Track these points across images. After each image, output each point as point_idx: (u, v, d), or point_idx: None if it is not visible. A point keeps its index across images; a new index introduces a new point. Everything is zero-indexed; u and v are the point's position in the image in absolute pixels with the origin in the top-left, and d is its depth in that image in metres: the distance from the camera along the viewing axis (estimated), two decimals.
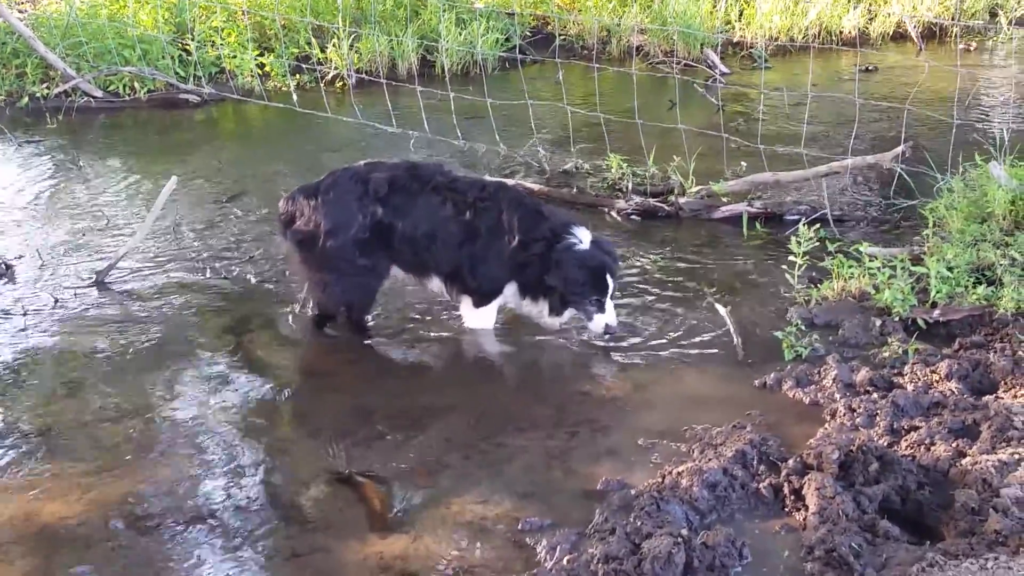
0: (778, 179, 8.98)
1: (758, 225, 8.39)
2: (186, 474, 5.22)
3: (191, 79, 12.43)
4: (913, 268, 6.87)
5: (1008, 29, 15.78)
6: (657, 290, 7.26)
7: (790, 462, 5.04)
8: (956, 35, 15.60)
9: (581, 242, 6.29)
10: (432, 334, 6.75)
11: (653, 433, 5.51)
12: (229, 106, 12.19)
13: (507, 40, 13.77)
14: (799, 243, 6.83)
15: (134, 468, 5.27)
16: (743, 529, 4.67)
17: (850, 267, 7.06)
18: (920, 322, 6.51)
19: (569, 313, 6.47)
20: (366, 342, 6.65)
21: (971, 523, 4.53)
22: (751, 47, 14.57)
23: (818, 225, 7.33)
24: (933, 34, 15.82)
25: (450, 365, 6.46)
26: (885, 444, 5.18)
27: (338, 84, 12.65)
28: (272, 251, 7.92)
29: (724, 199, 8.80)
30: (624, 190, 9.09)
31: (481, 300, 6.57)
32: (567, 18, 14.91)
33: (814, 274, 7.16)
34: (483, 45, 13.26)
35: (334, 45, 12.78)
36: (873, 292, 6.82)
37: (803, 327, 6.53)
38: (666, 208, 8.70)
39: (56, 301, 7.14)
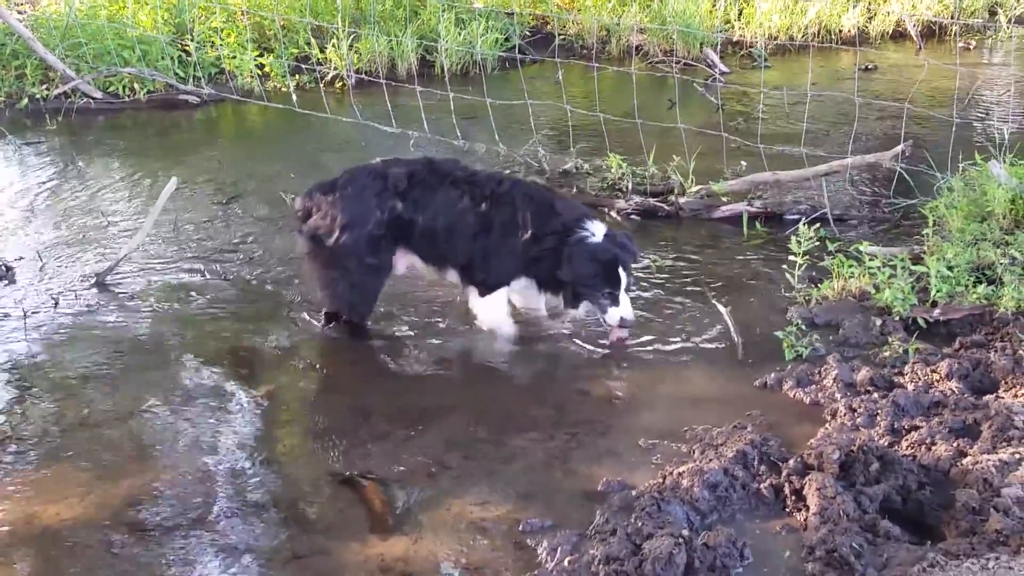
0: (778, 178, 8.98)
1: (758, 225, 8.39)
2: (186, 476, 5.22)
3: (191, 80, 12.42)
4: (913, 267, 6.88)
5: (1007, 27, 15.79)
6: (657, 290, 7.26)
7: (791, 462, 5.04)
8: (955, 34, 15.60)
9: (593, 235, 6.25)
10: (432, 335, 6.75)
11: (653, 433, 5.51)
12: (229, 107, 12.18)
13: (506, 40, 13.76)
14: (799, 243, 6.83)
15: (134, 470, 5.27)
16: (744, 529, 4.67)
17: (850, 266, 7.06)
18: (920, 321, 6.51)
19: (585, 306, 6.45)
20: (366, 343, 6.65)
21: (972, 523, 4.53)
22: (751, 46, 14.57)
23: (818, 224, 7.34)
24: (932, 33, 15.82)
25: (450, 366, 6.45)
26: (886, 444, 5.19)
27: (338, 84, 12.64)
28: (272, 252, 7.94)
29: (724, 198, 8.80)
30: (624, 190, 9.09)
31: (485, 290, 6.54)
32: (566, 18, 14.91)
33: (814, 274, 7.16)
34: (482, 45, 13.25)
35: (333, 45, 12.78)
36: (873, 291, 6.82)
37: (803, 327, 6.53)
38: (666, 208, 8.70)
39: (56, 302, 7.14)
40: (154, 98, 12.22)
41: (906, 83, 12.25)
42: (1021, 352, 6.02)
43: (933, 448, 5.10)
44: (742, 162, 9.29)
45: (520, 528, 4.73)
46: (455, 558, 4.56)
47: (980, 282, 6.76)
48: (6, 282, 7.46)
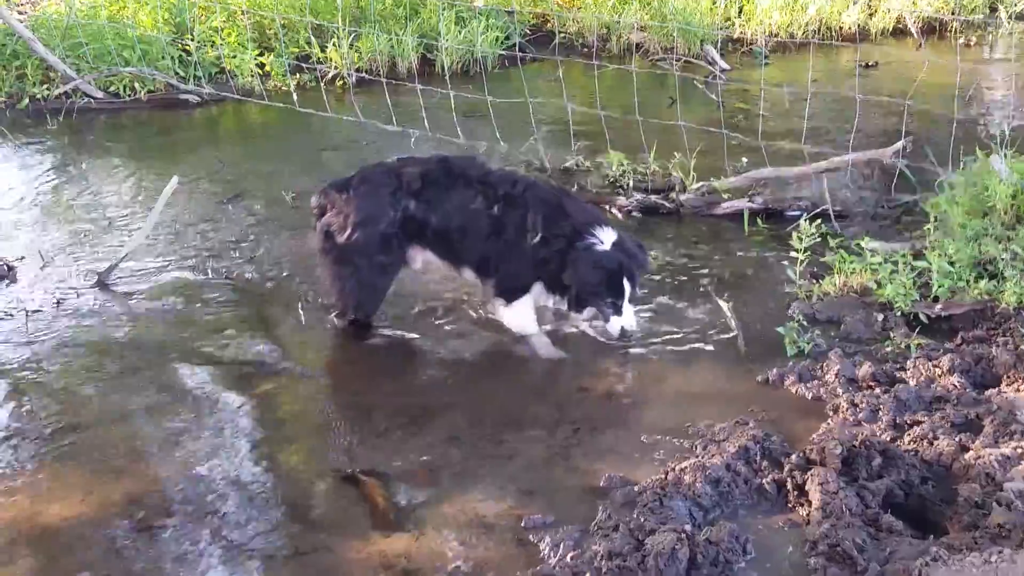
0: (779, 175, 8.97)
1: (759, 221, 8.39)
2: (187, 474, 5.22)
3: (191, 79, 12.41)
4: (915, 263, 6.88)
5: (1008, 23, 15.77)
6: (659, 287, 7.25)
7: (793, 458, 5.05)
8: (956, 30, 15.59)
9: (601, 242, 6.21)
10: (434, 332, 6.75)
11: (655, 429, 5.51)
12: (229, 106, 12.17)
13: (507, 38, 13.74)
14: (800, 239, 6.82)
15: (136, 468, 5.28)
16: (747, 525, 4.67)
17: (852, 262, 7.06)
18: (922, 317, 6.51)
19: (590, 311, 6.43)
20: (368, 341, 6.66)
21: (974, 517, 4.53)
22: (751, 43, 14.56)
23: (819, 221, 7.32)
24: (933, 29, 15.79)
25: (452, 363, 6.44)
26: (888, 439, 5.19)
27: (338, 83, 12.63)
28: (273, 250, 7.94)
29: (725, 195, 8.78)
30: (625, 187, 9.09)
31: (509, 297, 6.53)
32: (567, 16, 14.90)
33: (816, 270, 7.16)
34: (483, 43, 13.24)
35: (334, 44, 12.76)
36: (875, 287, 6.82)
37: (805, 323, 6.53)
38: (667, 205, 8.69)
39: (58, 302, 7.14)
40: (155, 98, 12.21)
41: (907, 80, 12.20)
42: (1023, 347, 6.01)
43: (935, 443, 5.10)
44: (743, 159, 9.29)
45: (522, 525, 4.74)
46: (457, 555, 4.56)
47: (982, 277, 6.75)
48: (8, 282, 7.46)
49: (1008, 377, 5.81)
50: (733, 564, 4.38)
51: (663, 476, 4.96)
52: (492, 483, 5.09)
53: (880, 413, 5.48)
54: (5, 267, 7.60)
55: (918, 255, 7.08)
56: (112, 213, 8.86)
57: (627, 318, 6.26)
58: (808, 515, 4.67)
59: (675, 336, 6.59)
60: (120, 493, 5.06)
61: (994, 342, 6.20)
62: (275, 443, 5.57)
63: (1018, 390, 5.60)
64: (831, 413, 5.60)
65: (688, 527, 4.47)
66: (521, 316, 6.58)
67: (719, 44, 14.12)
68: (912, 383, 5.77)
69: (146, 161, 10.36)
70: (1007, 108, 11.77)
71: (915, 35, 15.32)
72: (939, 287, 6.69)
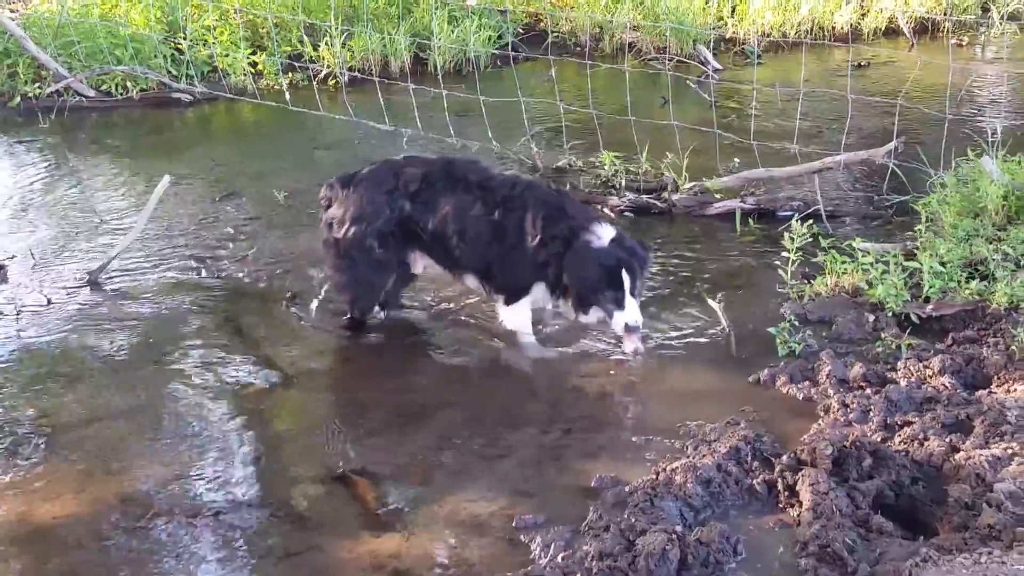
0: (771, 175, 8.98)
1: (751, 221, 8.40)
2: (179, 473, 5.22)
3: (183, 78, 12.40)
4: (906, 263, 6.89)
5: (1000, 24, 15.80)
6: (651, 287, 7.24)
7: (784, 458, 5.05)
8: (948, 30, 15.60)
9: (599, 239, 6.16)
10: (426, 331, 6.76)
11: (647, 430, 5.52)
12: (221, 105, 12.16)
13: (499, 37, 13.74)
14: (792, 239, 6.84)
15: (127, 467, 5.28)
16: (737, 525, 4.68)
17: (843, 263, 7.07)
18: (913, 317, 6.52)
19: (596, 312, 6.28)
20: (360, 340, 6.66)
21: (964, 518, 4.54)
22: (744, 43, 14.57)
23: (811, 221, 7.33)
24: (925, 29, 15.79)
25: (444, 363, 6.44)
26: (879, 440, 5.19)
27: (331, 82, 12.62)
28: (265, 249, 7.93)
29: (717, 195, 8.79)
30: (617, 187, 9.09)
31: (510, 298, 6.51)
32: (559, 15, 14.89)
33: (807, 270, 7.16)
34: (476, 42, 13.24)
35: (326, 43, 12.75)
36: (866, 287, 6.83)
37: (796, 323, 6.53)
38: (659, 205, 8.69)
39: (49, 301, 7.14)
40: (147, 96, 12.19)
41: (899, 80, 12.25)
42: (1014, 348, 6.02)
43: (926, 443, 5.11)
44: (735, 159, 9.31)
45: (513, 524, 4.74)
46: (448, 555, 4.56)
47: (973, 278, 6.77)
48: None
49: (999, 378, 5.82)
50: (723, 565, 4.39)
51: (654, 476, 4.96)
52: (483, 483, 5.09)
53: (871, 414, 5.48)
54: None
55: (909, 255, 7.10)
56: (103, 212, 8.86)
57: (630, 313, 6.09)
58: (799, 516, 4.67)
59: (667, 336, 6.59)
60: (112, 492, 5.06)
61: (985, 343, 6.21)
62: (266, 443, 5.57)
63: (1008, 391, 5.61)
64: (822, 413, 5.61)
65: (679, 527, 4.48)
66: (519, 316, 6.55)
67: (712, 44, 14.12)
68: (903, 383, 5.77)
69: (138, 160, 10.35)
70: (999, 108, 11.79)
71: (907, 35, 15.34)
72: (930, 288, 6.71)
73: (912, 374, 5.89)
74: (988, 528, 4.39)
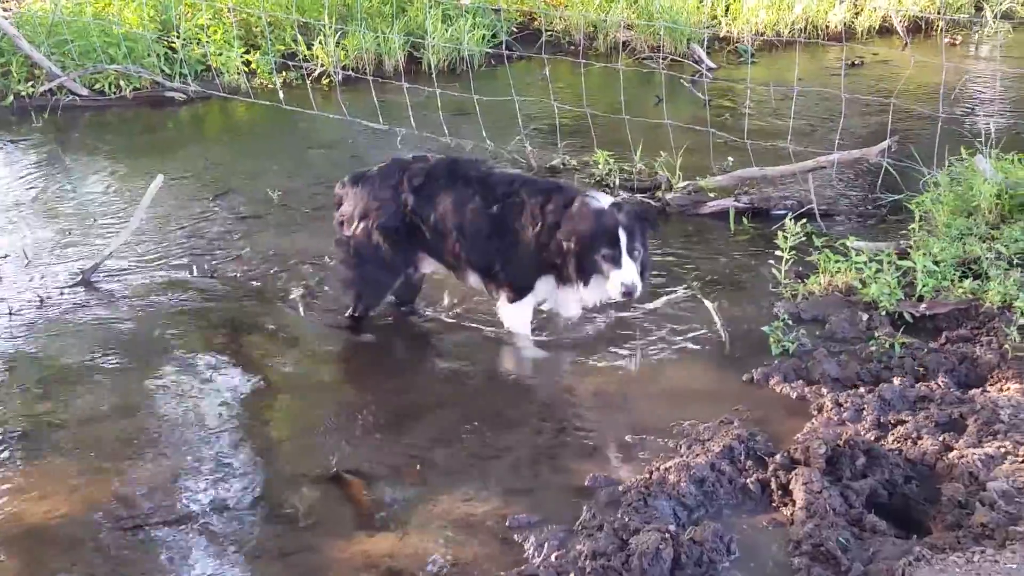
0: (765, 174, 8.98)
1: (745, 220, 8.40)
2: (172, 473, 5.22)
3: (177, 77, 12.38)
4: (899, 262, 6.89)
5: (993, 23, 15.81)
6: (644, 285, 7.23)
7: (777, 457, 5.06)
8: (941, 29, 15.62)
9: (599, 202, 6.10)
10: (419, 331, 6.75)
11: (640, 429, 5.52)
12: (215, 104, 12.15)
13: (493, 36, 13.74)
14: (786, 238, 6.84)
15: (120, 468, 5.27)
16: (731, 524, 4.68)
17: (837, 261, 7.07)
18: (907, 316, 6.53)
19: (596, 282, 6.14)
20: (353, 339, 6.66)
21: (958, 517, 4.55)
22: (737, 42, 14.57)
23: (805, 220, 7.34)
24: (919, 28, 15.82)
25: (437, 362, 6.44)
26: (872, 438, 5.20)
27: (324, 81, 12.61)
28: (258, 248, 7.92)
29: (711, 194, 8.79)
30: (611, 186, 9.08)
31: (514, 295, 6.48)
32: (553, 14, 14.89)
33: (801, 269, 7.17)
34: (470, 41, 13.23)
35: (320, 42, 12.74)
36: (860, 286, 6.84)
37: (790, 322, 6.53)
38: (653, 204, 8.69)
39: (42, 300, 7.12)
40: (140, 95, 12.17)
41: (892, 79, 12.27)
42: (1007, 346, 6.04)
43: (919, 442, 5.11)
44: (729, 158, 9.30)
45: (507, 524, 4.74)
46: (441, 554, 4.55)
47: (966, 277, 6.77)
48: None
49: (992, 376, 5.83)
50: (717, 564, 4.39)
51: (648, 476, 4.96)
52: (477, 482, 5.09)
53: (864, 412, 5.49)
54: None
55: (903, 254, 7.10)
56: (96, 211, 8.84)
57: (627, 272, 5.97)
58: (792, 515, 4.67)
59: (660, 335, 6.59)
60: (106, 492, 5.05)
61: (978, 341, 6.21)
62: (260, 442, 5.57)
63: (1002, 389, 5.62)
64: (815, 412, 5.61)
65: (672, 527, 4.48)
66: (520, 315, 6.55)
67: (705, 43, 14.12)
68: (896, 382, 5.77)
69: (131, 159, 10.33)
70: (992, 107, 11.80)
71: (901, 34, 15.34)
72: (923, 286, 6.71)
73: (905, 373, 5.90)
74: (981, 527, 4.39)
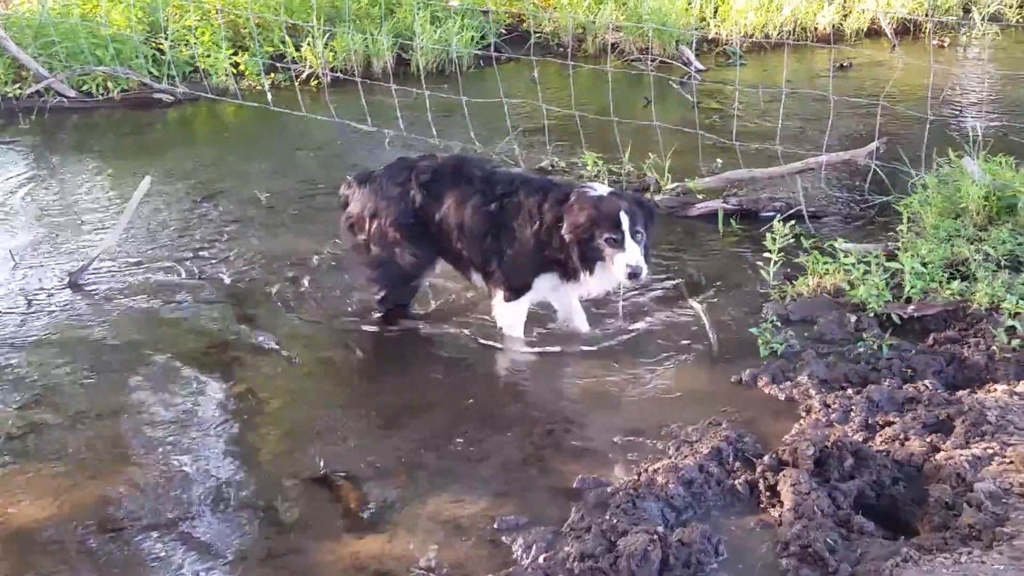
0: (753, 175, 9.00)
1: (733, 222, 8.41)
2: (160, 476, 5.19)
3: (165, 79, 12.37)
4: (887, 264, 6.90)
5: (981, 25, 15.86)
6: (632, 287, 7.23)
7: (765, 458, 5.06)
8: (930, 31, 15.66)
9: (596, 191, 6.13)
10: (407, 333, 6.73)
11: (629, 431, 5.52)
12: (203, 106, 12.13)
13: (482, 38, 13.75)
14: (774, 239, 6.85)
15: (108, 471, 5.24)
16: (719, 526, 4.68)
17: (825, 263, 7.08)
18: (895, 317, 6.54)
19: (600, 270, 6.10)
20: (342, 341, 6.65)
21: (945, 518, 4.55)
22: (726, 44, 14.60)
23: (793, 221, 7.34)
24: (907, 30, 15.88)
25: (425, 364, 6.42)
26: (860, 440, 5.20)
27: (313, 83, 12.61)
28: (246, 250, 7.91)
29: (699, 196, 8.81)
30: None
31: (510, 295, 6.46)
32: (542, 16, 14.91)
33: (789, 270, 7.17)
34: (458, 43, 13.24)
35: (309, 44, 12.74)
36: (848, 288, 6.84)
37: (778, 323, 6.54)
38: None
39: (29, 303, 7.10)
40: (128, 97, 12.16)
41: (881, 80, 12.29)
42: (994, 348, 6.05)
43: (907, 444, 5.12)
44: (717, 159, 9.31)
45: (495, 526, 4.73)
46: (430, 556, 4.54)
47: (954, 278, 6.78)
48: None
49: (979, 378, 5.84)
50: (705, 565, 4.39)
51: (636, 477, 4.96)
52: (465, 484, 5.08)
53: (852, 414, 5.49)
54: None
55: (891, 256, 7.11)
56: (84, 213, 8.82)
57: (631, 254, 5.89)
58: (780, 516, 4.67)
59: (649, 337, 6.59)
60: (93, 494, 5.03)
61: (966, 343, 6.22)
62: (248, 444, 5.55)
63: (989, 391, 5.63)
64: (804, 414, 5.61)
65: (660, 528, 4.47)
66: (514, 315, 6.54)
67: (694, 45, 14.15)
68: (884, 384, 5.77)
69: (119, 161, 10.31)
70: (980, 109, 11.83)
71: (889, 36, 15.39)
72: (911, 288, 6.72)
73: (893, 374, 5.90)
74: (968, 528, 4.39)
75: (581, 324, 6.71)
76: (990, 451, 4.92)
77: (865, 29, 15.63)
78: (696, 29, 14.52)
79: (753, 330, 6.41)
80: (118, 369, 6.28)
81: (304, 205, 8.82)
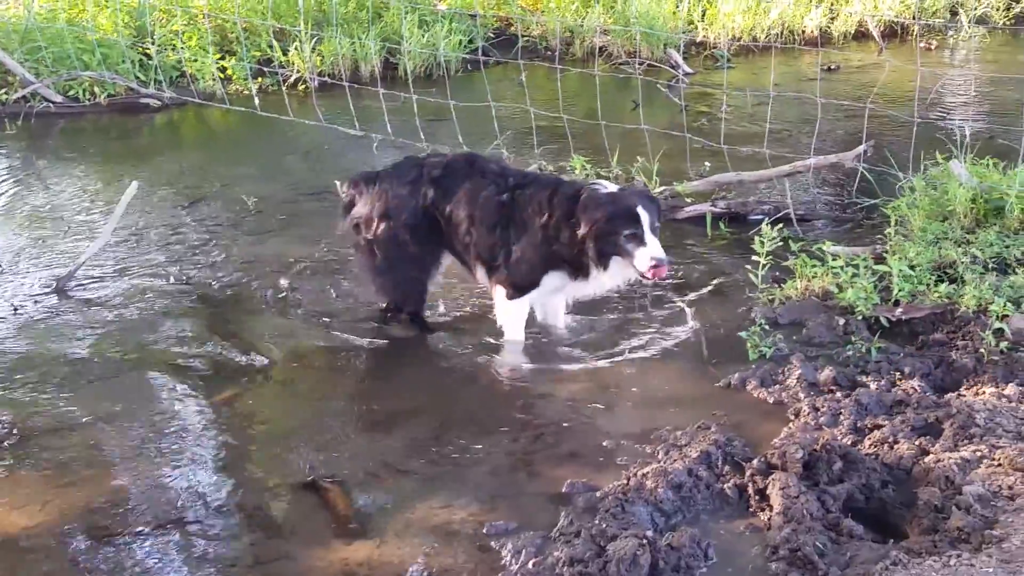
0: (741, 179, 9.01)
1: (722, 225, 8.41)
2: (147, 483, 5.17)
3: (152, 83, 12.34)
4: (876, 267, 6.91)
5: (968, 28, 15.91)
6: (621, 291, 7.23)
7: (755, 462, 5.05)
8: (917, 34, 15.70)
9: (607, 188, 6.11)
10: (396, 337, 6.72)
11: (618, 435, 5.51)
12: (190, 110, 12.11)
13: (470, 42, 13.76)
14: (763, 243, 6.85)
15: (95, 477, 5.22)
16: (708, 530, 4.67)
17: (813, 266, 7.08)
18: (883, 320, 6.54)
19: (616, 264, 6.08)
20: (330, 346, 6.63)
21: (934, 521, 4.55)
22: (714, 47, 14.62)
23: (781, 224, 7.34)
24: (894, 33, 15.93)
25: (414, 369, 6.41)
26: (849, 443, 5.20)
27: (300, 87, 12.59)
28: (234, 255, 7.89)
29: (688, 199, 8.81)
30: None
31: (514, 292, 6.43)
32: (530, 19, 14.91)
33: (778, 273, 7.17)
34: (446, 47, 13.24)
35: (296, 48, 12.73)
36: (836, 291, 6.84)
37: (767, 327, 6.54)
38: None
39: (16, 309, 7.07)
40: (115, 102, 12.14)
41: (868, 83, 12.31)
42: (982, 350, 6.05)
43: (896, 447, 5.12)
44: (706, 163, 9.32)
45: (484, 531, 4.71)
46: (419, 562, 4.52)
47: (942, 281, 6.79)
48: None
49: (968, 380, 5.85)
50: (695, 569, 4.38)
51: (625, 481, 4.95)
52: (454, 489, 5.06)
53: (841, 417, 5.49)
54: None
55: (879, 259, 7.12)
56: (71, 218, 8.80)
57: (653, 247, 5.87)
58: (769, 520, 4.67)
59: (637, 341, 6.58)
60: (80, 502, 5.00)
61: (954, 346, 6.23)
62: (236, 450, 5.53)
63: (977, 393, 5.64)
64: (792, 417, 5.61)
65: (650, 533, 4.46)
66: (515, 313, 6.52)
67: (682, 48, 14.16)
68: (873, 387, 5.78)
69: (106, 166, 10.30)
70: (967, 112, 11.86)
71: (877, 39, 15.43)
72: (900, 291, 6.73)
73: (882, 377, 5.90)
74: (957, 531, 4.39)
75: (561, 323, 6.73)
76: (979, 454, 4.93)
77: (852, 32, 15.68)
78: (684, 32, 14.54)
79: (742, 333, 6.40)
80: (105, 375, 6.25)
81: (292, 210, 8.80)
